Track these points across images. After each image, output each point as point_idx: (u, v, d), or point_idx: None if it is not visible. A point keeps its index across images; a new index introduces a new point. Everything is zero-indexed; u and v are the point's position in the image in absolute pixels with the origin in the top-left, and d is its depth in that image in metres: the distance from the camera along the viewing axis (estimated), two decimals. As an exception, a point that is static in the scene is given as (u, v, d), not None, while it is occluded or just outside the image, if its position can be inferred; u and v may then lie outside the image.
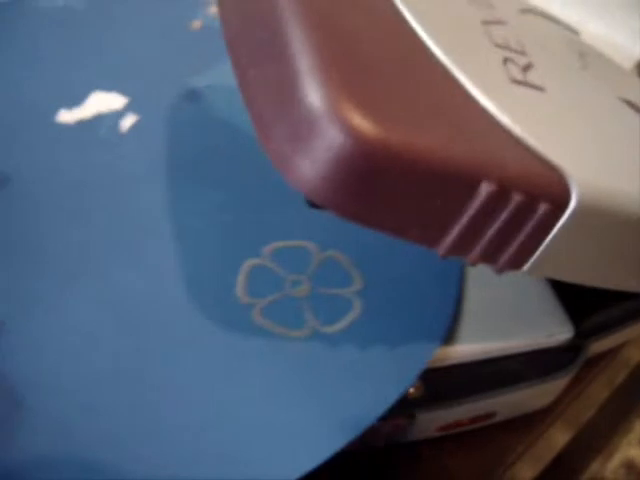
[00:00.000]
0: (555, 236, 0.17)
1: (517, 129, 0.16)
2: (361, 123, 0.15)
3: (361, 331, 0.21)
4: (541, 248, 0.17)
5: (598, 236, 0.18)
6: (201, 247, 0.23)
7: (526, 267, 0.18)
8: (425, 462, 0.24)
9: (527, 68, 0.18)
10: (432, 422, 0.23)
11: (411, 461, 0.24)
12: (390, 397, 0.20)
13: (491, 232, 0.16)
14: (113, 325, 0.21)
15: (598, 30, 0.44)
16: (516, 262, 0.17)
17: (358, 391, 0.20)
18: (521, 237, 0.17)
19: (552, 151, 0.16)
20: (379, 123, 0.15)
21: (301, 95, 0.15)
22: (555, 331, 0.24)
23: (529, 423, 0.26)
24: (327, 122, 0.15)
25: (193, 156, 0.25)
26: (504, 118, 0.16)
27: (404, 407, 0.22)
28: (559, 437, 0.31)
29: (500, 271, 0.17)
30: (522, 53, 0.19)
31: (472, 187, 0.15)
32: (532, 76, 0.18)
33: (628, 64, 0.42)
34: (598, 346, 0.26)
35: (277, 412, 0.19)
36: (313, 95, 0.15)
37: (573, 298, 0.24)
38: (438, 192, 0.16)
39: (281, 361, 0.21)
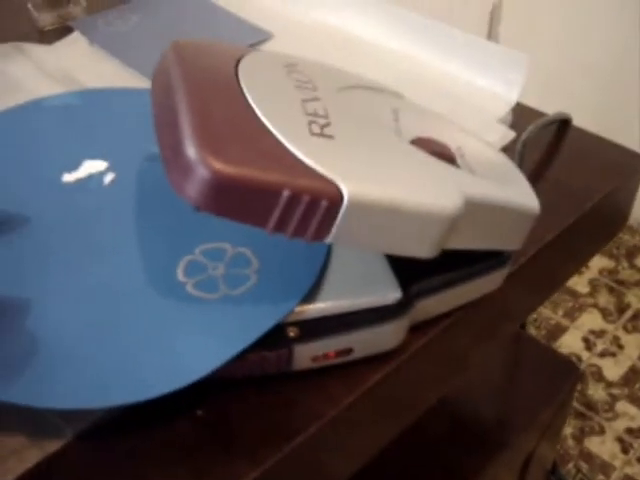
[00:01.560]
0: (338, 220, 0.30)
1: (308, 160, 0.29)
2: (215, 165, 0.28)
3: (254, 293, 0.35)
4: (334, 227, 0.30)
5: (371, 221, 0.30)
6: (155, 250, 0.37)
7: (327, 240, 0.30)
8: (311, 383, 0.36)
9: (325, 126, 0.31)
10: (307, 353, 0.35)
11: (300, 383, 0.36)
12: (272, 319, 0.33)
13: (295, 218, 0.29)
14: (94, 299, 0.35)
15: (483, 83, 0.57)
16: (319, 236, 0.30)
17: (250, 319, 0.34)
18: (316, 221, 0.29)
19: (329, 171, 0.29)
20: (225, 165, 0.28)
21: (184, 149, 0.28)
22: (387, 293, 0.36)
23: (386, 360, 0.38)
24: (198, 165, 0.28)
25: (151, 197, 0.40)
26: (300, 154, 0.29)
27: (286, 343, 0.34)
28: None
29: (310, 242, 0.30)
30: (325, 117, 0.32)
31: (277, 195, 0.28)
32: (327, 130, 0.31)
33: (506, 108, 0.55)
34: (426, 306, 0.37)
35: (193, 332, 0.34)
36: (190, 150, 0.28)
37: (404, 268, 0.37)
38: (260, 198, 0.28)
39: (202, 310, 0.34)
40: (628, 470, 1.30)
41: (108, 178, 0.41)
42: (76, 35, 0.62)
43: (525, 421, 0.63)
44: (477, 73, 0.58)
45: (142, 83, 0.55)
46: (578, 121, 0.57)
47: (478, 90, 0.57)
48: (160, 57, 0.35)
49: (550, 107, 0.58)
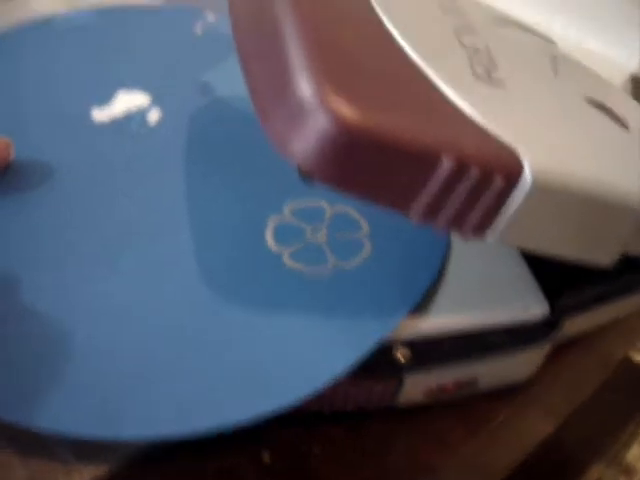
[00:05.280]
0: (511, 207, 0.20)
1: (476, 115, 0.20)
2: (342, 109, 0.18)
3: (372, 266, 0.26)
4: (500, 217, 0.20)
5: (554, 210, 0.21)
6: (230, 211, 0.27)
7: (489, 235, 0.20)
8: (417, 425, 0.27)
9: (491, 68, 0.22)
10: (419, 386, 0.26)
11: (402, 424, 0.27)
12: (397, 315, 0.25)
13: (453, 201, 0.19)
14: (164, 279, 0.25)
15: (596, 47, 0.47)
16: (479, 229, 0.20)
17: (373, 312, 0.25)
18: (481, 206, 0.20)
19: (506, 133, 0.20)
20: (357, 109, 0.18)
21: (294, 86, 0.19)
22: (530, 307, 0.26)
23: (511, 394, 0.28)
24: (315, 108, 0.18)
25: (212, 140, 0.30)
26: (465, 106, 0.20)
27: (393, 371, 0.25)
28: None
29: (466, 237, 0.20)
30: (488, 55, 0.22)
31: (434, 162, 0.19)
32: (495, 75, 0.21)
33: (622, 77, 0.45)
34: (573, 325, 0.28)
35: (310, 332, 0.24)
36: (304, 86, 0.19)
37: (550, 278, 0.27)
38: (406, 166, 0.19)
39: (310, 293, 0.25)
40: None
41: (153, 116, 0.31)
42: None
43: (591, 454, 0.54)
44: (591, 35, 0.47)
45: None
46: None
47: (589, 54, 0.47)
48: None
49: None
